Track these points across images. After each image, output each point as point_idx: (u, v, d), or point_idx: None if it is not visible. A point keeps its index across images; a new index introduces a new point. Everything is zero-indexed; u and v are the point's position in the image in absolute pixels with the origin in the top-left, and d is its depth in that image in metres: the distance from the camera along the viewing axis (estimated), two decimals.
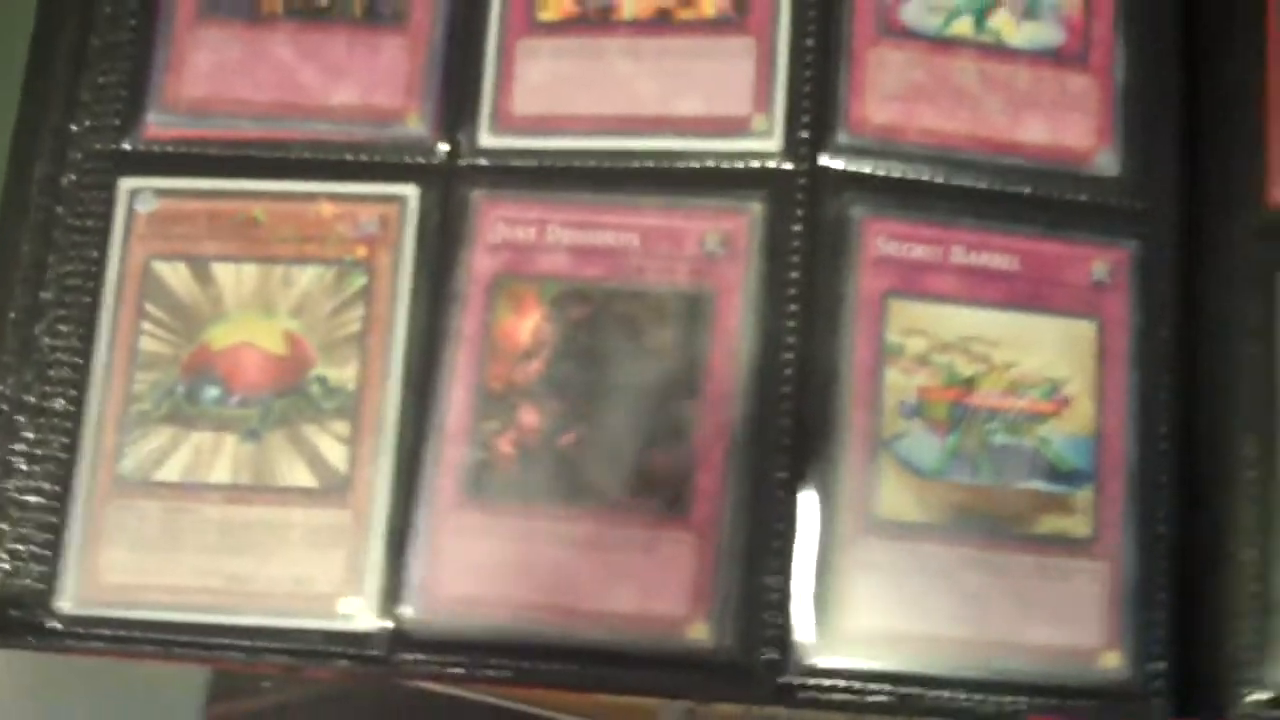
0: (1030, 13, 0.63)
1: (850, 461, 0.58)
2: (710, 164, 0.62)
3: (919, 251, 0.60)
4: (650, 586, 0.57)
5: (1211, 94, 0.64)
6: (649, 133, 0.62)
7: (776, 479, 0.58)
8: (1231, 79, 0.64)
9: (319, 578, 0.59)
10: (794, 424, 0.59)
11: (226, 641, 0.59)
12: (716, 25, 0.63)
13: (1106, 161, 0.62)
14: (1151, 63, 0.63)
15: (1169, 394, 0.60)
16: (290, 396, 0.61)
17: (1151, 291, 0.61)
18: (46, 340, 0.62)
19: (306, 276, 0.62)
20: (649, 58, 0.63)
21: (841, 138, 0.62)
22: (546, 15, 0.64)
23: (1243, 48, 0.64)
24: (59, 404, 0.61)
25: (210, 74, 0.65)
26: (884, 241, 0.60)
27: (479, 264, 0.62)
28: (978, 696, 0.57)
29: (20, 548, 0.60)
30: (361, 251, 0.62)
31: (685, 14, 0.63)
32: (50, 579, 0.60)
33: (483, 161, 0.63)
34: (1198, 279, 0.62)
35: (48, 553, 0.60)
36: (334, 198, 0.63)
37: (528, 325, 0.61)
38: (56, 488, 0.60)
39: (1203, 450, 0.60)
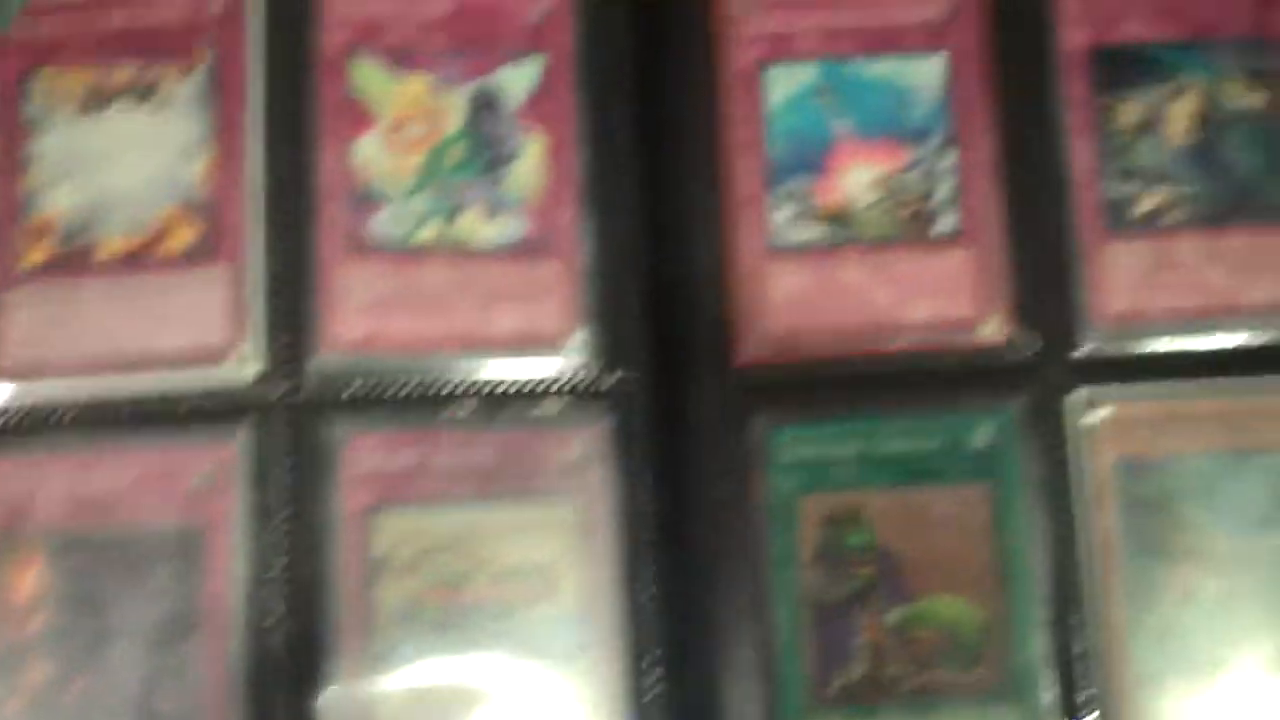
0: (497, 209, 0.72)
1: (350, 677, 0.66)
2: (193, 398, 0.69)
3: (400, 461, 0.68)
4: None
5: (679, 264, 0.73)
6: (132, 372, 0.69)
7: (277, 706, 0.65)
8: (697, 249, 0.73)
9: None
10: (291, 648, 0.66)
11: None
12: (190, 258, 0.70)
13: (578, 343, 0.71)
14: (617, 244, 0.72)
15: (654, 561, 0.69)
16: None
17: (630, 463, 0.70)
18: None
19: None
20: (128, 296, 0.70)
21: (318, 359, 0.69)
22: (28, 262, 0.71)
23: (704, 220, 0.73)
24: None
25: None
26: (366, 456, 0.68)
27: None
28: None
29: None
30: None
31: (160, 250, 0.71)
32: None
33: None
34: (679, 442, 0.71)
35: None
36: None
37: (29, 579, 0.67)
38: None
39: (692, 612, 0.69)
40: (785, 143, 0.73)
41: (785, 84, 0.73)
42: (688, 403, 0.70)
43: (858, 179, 0.72)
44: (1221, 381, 0.71)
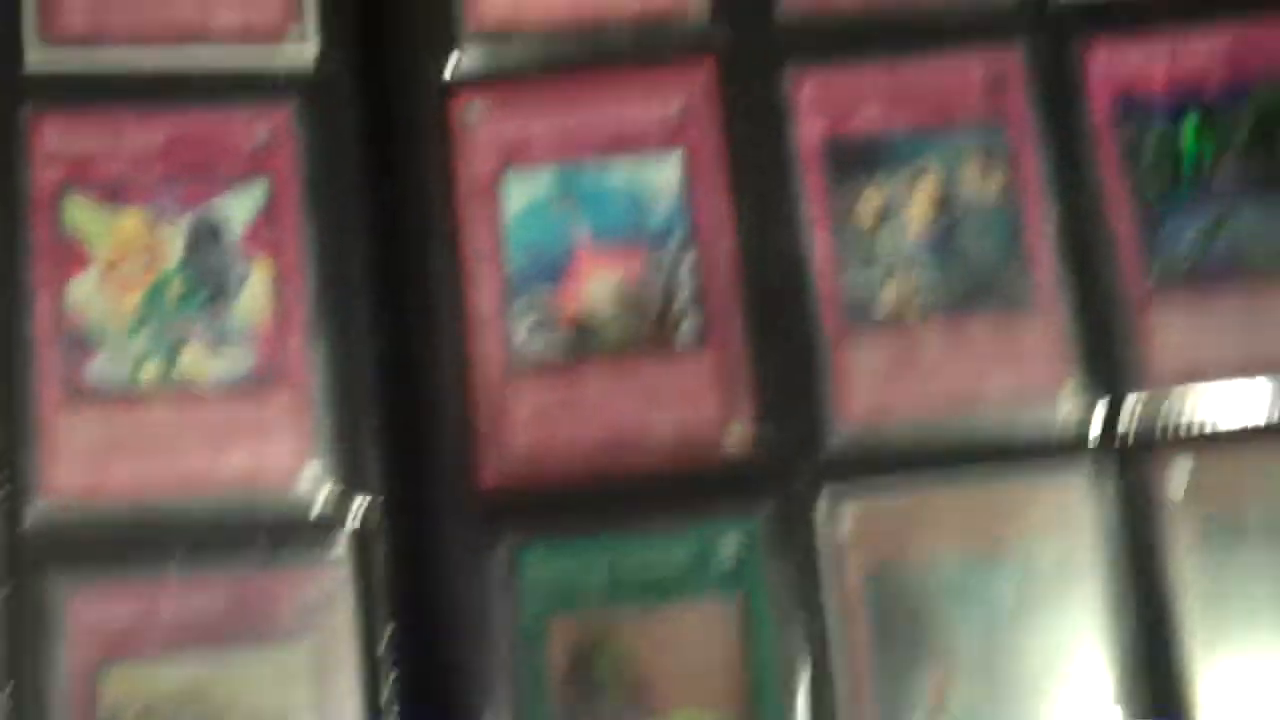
0: (221, 343, 0.73)
1: None
2: None
3: (126, 615, 0.69)
4: None
5: (418, 386, 0.75)
6: None
7: None
8: (437, 369, 0.75)
9: None
10: None
11: None
12: None
13: (311, 477, 0.72)
14: (350, 370, 0.74)
15: (401, 702, 0.70)
16: None
17: (371, 599, 0.71)
18: None
19: None
20: None
21: (36, 511, 0.70)
22: None
23: (444, 339, 0.75)
24: None
25: None
26: (91, 611, 0.69)
27: None
28: None
29: None
30: None
31: None
32: None
33: None
34: (424, 570, 0.72)
35: None
36: None
37: None
38: None
39: None
40: (525, 252, 0.75)
41: (524, 191, 0.75)
42: (433, 529, 0.72)
43: (598, 286, 0.75)
44: (967, 475, 0.73)
